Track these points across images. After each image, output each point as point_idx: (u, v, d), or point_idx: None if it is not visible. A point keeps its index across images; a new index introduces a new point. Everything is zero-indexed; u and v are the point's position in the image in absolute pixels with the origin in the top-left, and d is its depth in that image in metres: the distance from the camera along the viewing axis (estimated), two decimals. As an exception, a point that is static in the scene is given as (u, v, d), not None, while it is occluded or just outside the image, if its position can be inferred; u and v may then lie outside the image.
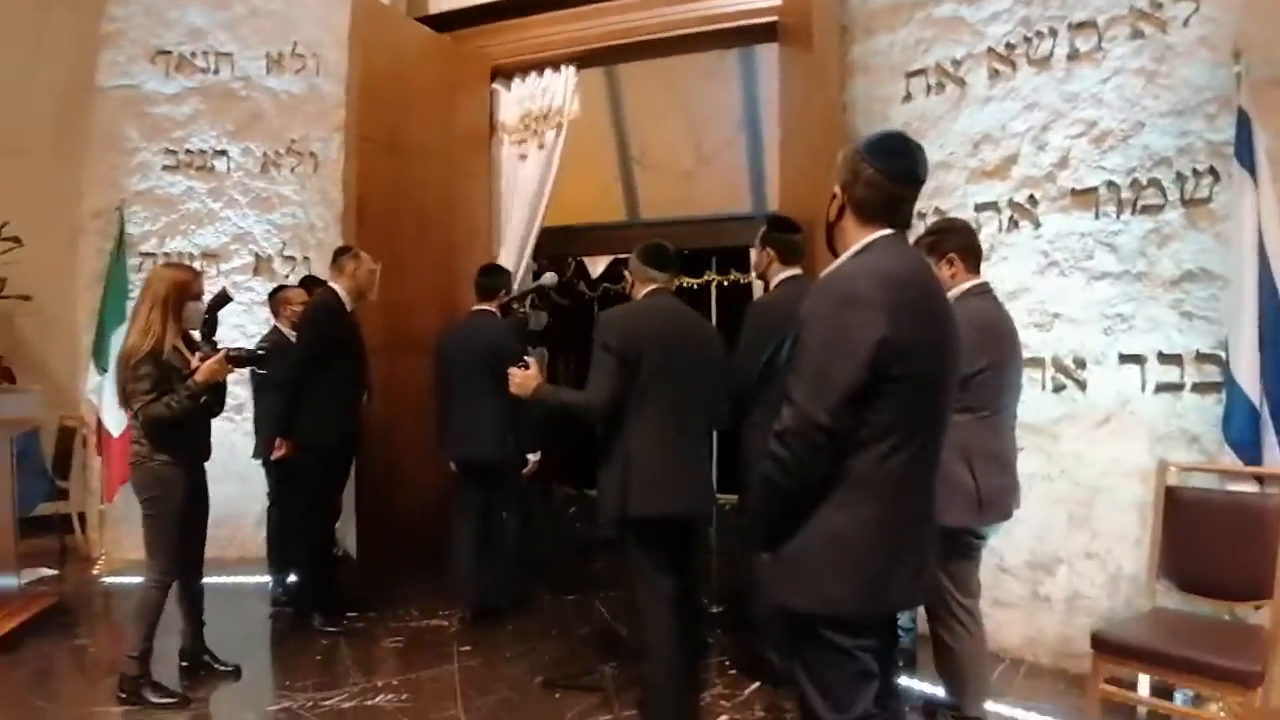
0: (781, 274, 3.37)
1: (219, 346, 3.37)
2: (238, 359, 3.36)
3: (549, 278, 4.34)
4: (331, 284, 4.18)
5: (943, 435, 1.83)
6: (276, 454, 4.13)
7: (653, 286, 2.99)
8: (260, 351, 3.59)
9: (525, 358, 3.05)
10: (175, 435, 3.20)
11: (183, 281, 3.24)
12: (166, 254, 5.43)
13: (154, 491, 3.21)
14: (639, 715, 3.10)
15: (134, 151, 5.51)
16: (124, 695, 3.23)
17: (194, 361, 3.22)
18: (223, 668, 3.54)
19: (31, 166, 5.80)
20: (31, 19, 5.78)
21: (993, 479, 2.62)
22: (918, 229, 3.94)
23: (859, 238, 1.79)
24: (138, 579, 4.79)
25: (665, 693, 2.91)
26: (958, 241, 2.73)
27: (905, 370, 1.66)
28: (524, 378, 2.89)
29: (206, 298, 3.42)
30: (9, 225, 5.42)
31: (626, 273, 3.17)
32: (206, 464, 3.48)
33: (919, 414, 1.73)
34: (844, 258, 1.81)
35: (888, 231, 1.79)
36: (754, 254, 3.59)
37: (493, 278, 4.42)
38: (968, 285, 2.71)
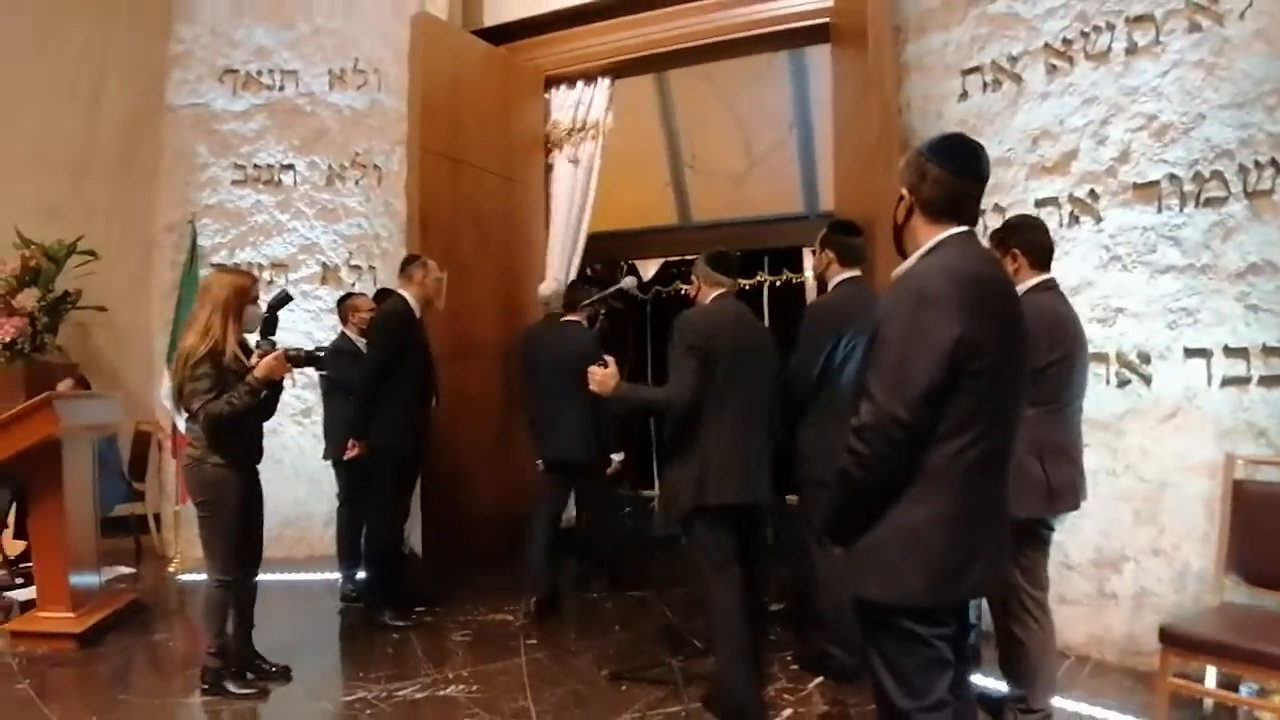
0: (840, 275, 3.42)
1: (277, 345, 3.40)
2: (296, 358, 3.44)
3: (629, 281, 4.51)
4: (401, 291, 4.31)
5: (1016, 429, 1.86)
6: (349, 454, 4.27)
7: (720, 290, 3.19)
8: (319, 353, 3.68)
9: (605, 357, 3.16)
10: (233, 435, 3.23)
11: (242, 286, 3.30)
12: (237, 265, 5.63)
13: (208, 494, 3.25)
14: (705, 705, 3.19)
15: (204, 167, 5.74)
16: (206, 686, 3.35)
17: (253, 359, 3.26)
18: (271, 668, 3.54)
19: (103, 183, 6.06)
20: (98, 41, 6.02)
21: (1062, 471, 2.65)
22: (977, 227, 3.99)
23: (929, 237, 1.84)
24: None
25: (736, 682, 3.03)
26: (1023, 238, 2.76)
27: (980, 366, 1.70)
28: (604, 376, 3.01)
29: (264, 300, 3.50)
30: (84, 239, 5.67)
31: (694, 276, 3.33)
32: (260, 465, 3.51)
33: (993, 409, 1.76)
34: (915, 257, 1.85)
35: (957, 230, 1.83)
36: (814, 255, 3.64)
37: (574, 292, 4.75)
38: (1034, 281, 2.73)
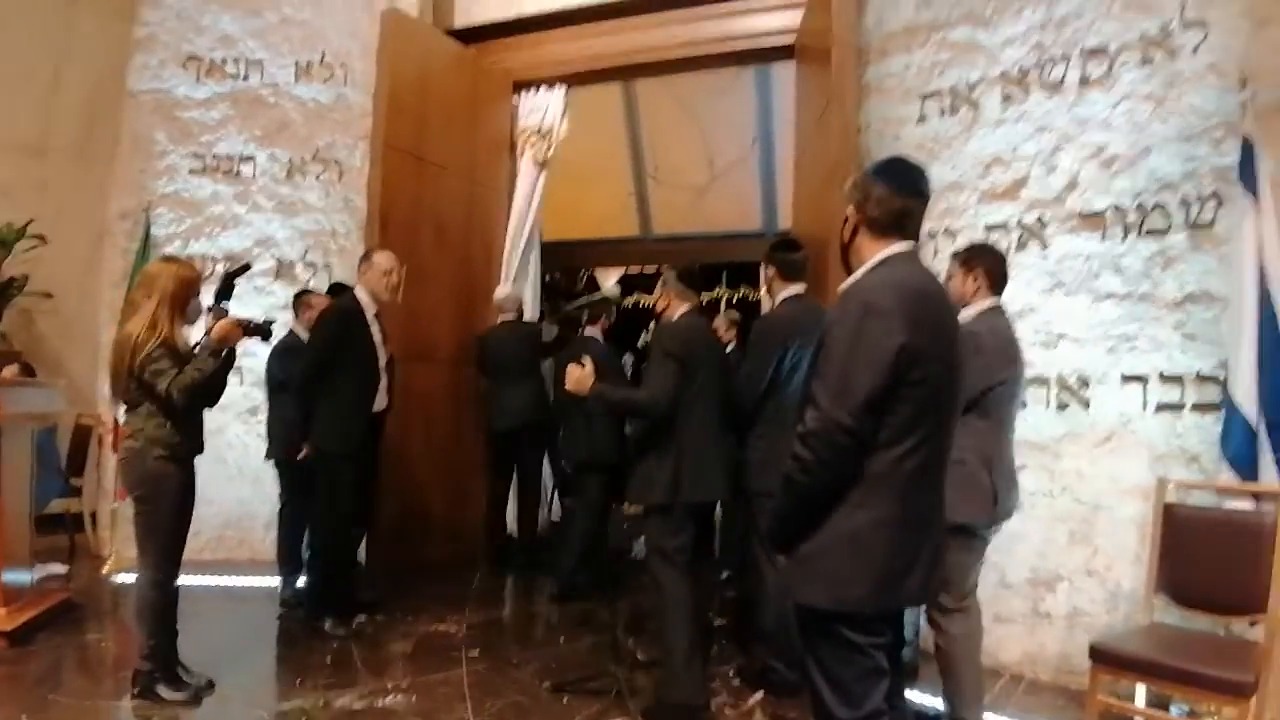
0: (785, 291, 3.51)
1: (227, 313, 3.33)
2: (248, 326, 3.35)
3: (612, 289, 4.53)
4: (355, 288, 4.26)
5: (950, 437, 1.93)
6: (300, 456, 4.22)
7: (687, 305, 3.41)
8: (269, 324, 3.54)
9: (584, 357, 3.36)
10: (190, 416, 3.20)
11: (189, 279, 3.25)
12: (191, 256, 5.52)
13: (148, 488, 3.16)
14: (646, 718, 3.22)
15: (162, 155, 5.64)
16: (137, 690, 3.24)
17: (209, 321, 3.24)
18: (193, 679, 3.35)
19: (58, 166, 5.91)
20: (60, 21, 5.87)
21: (1002, 480, 2.79)
22: (928, 248, 4.08)
23: (874, 253, 1.92)
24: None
25: (684, 672, 3.18)
26: (988, 262, 2.91)
27: (920, 375, 1.77)
28: (581, 376, 3.20)
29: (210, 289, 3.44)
30: (34, 223, 5.53)
31: (661, 289, 3.49)
32: (203, 464, 3.41)
33: (932, 417, 1.83)
34: (862, 271, 1.92)
35: (901, 246, 1.91)
36: (762, 272, 3.72)
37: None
38: (989, 304, 2.89)
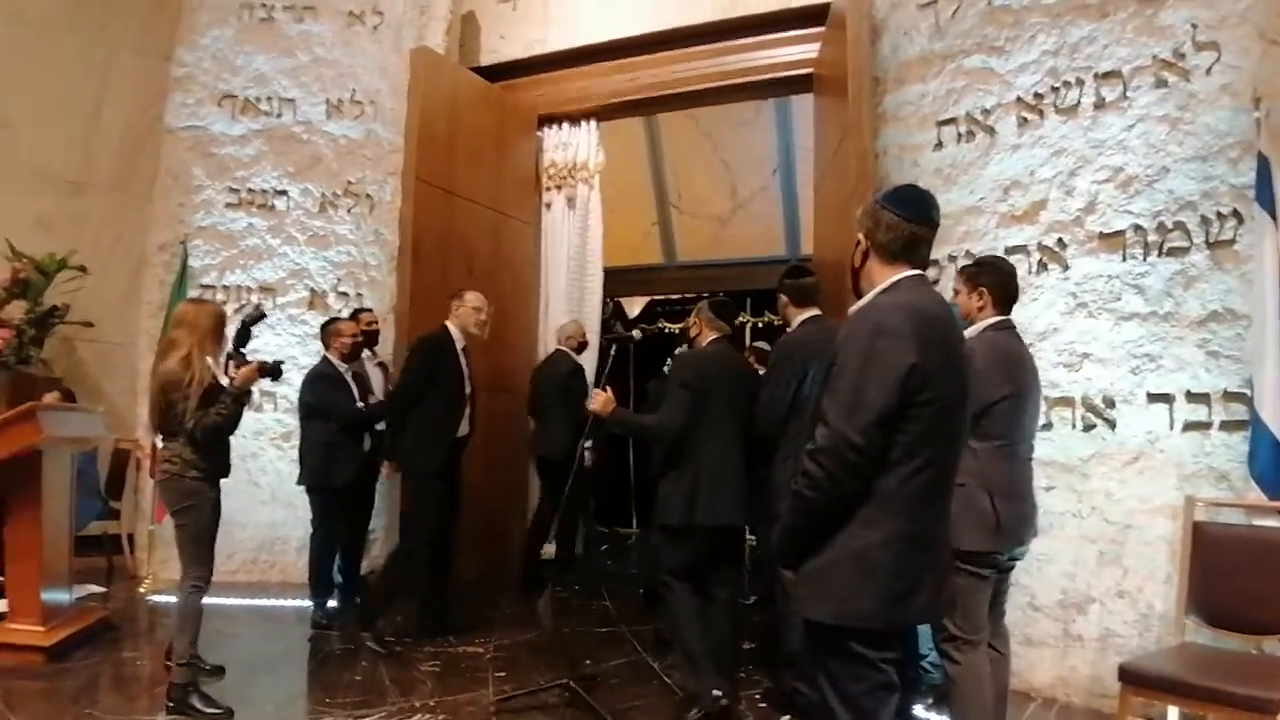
0: (800, 315, 3.61)
1: (248, 358, 3.69)
2: (264, 368, 3.67)
3: (636, 334, 4.70)
4: (446, 322, 4.47)
5: (958, 459, 1.96)
6: (387, 475, 4.52)
7: (716, 335, 3.59)
8: (280, 364, 3.85)
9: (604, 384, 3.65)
10: (215, 446, 3.51)
11: (220, 314, 3.63)
12: (226, 287, 5.71)
13: (186, 502, 3.46)
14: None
15: (199, 189, 5.83)
16: (172, 704, 3.35)
17: (230, 370, 3.60)
18: (205, 665, 3.69)
19: (98, 200, 6.11)
20: (100, 60, 6.09)
21: (1010, 506, 2.66)
22: (949, 270, 4.11)
23: (884, 278, 1.95)
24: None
25: (694, 673, 3.38)
26: (993, 279, 2.82)
27: (930, 396, 1.79)
28: (604, 400, 3.43)
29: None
30: (75, 255, 5.71)
31: (695, 318, 3.69)
32: (238, 488, 3.77)
33: (940, 437, 1.85)
34: (872, 294, 1.96)
35: (911, 272, 1.95)
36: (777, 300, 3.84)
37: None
38: (993, 320, 2.79)
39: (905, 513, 1.82)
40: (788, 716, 3.47)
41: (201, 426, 3.39)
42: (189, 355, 3.42)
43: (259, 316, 3.89)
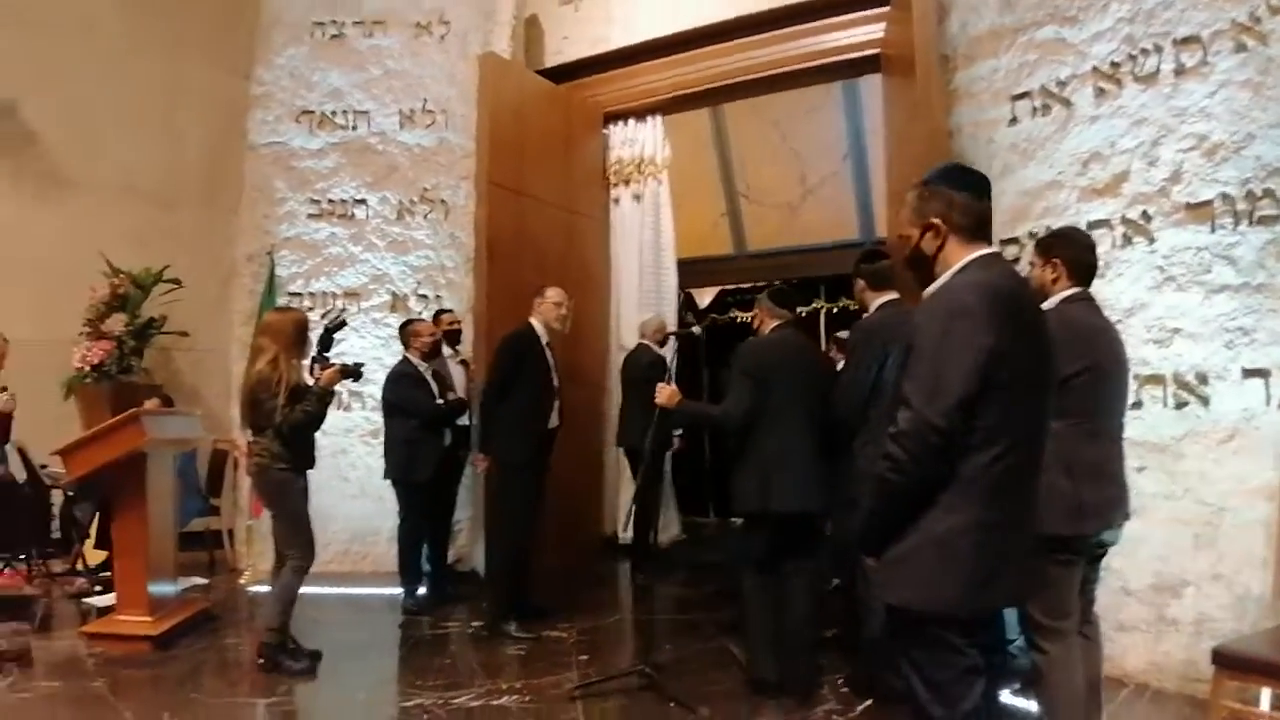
0: (878, 299, 3.57)
1: (331, 361, 4.02)
2: (346, 370, 4.00)
3: (697, 329, 4.85)
4: (530, 319, 4.61)
5: (1044, 442, 1.93)
6: (480, 467, 4.68)
7: (778, 322, 3.65)
8: (360, 366, 4.14)
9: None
10: (301, 439, 3.83)
11: (302, 321, 3.93)
12: (312, 294, 5.96)
13: (277, 493, 3.85)
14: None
15: (282, 201, 6.08)
16: (262, 661, 3.79)
17: (315, 372, 3.94)
18: (303, 655, 3.88)
19: (187, 215, 6.49)
20: (173, 77, 6.42)
21: (1095, 488, 2.54)
22: (1029, 249, 4.01)
23: (960, 258, 1.93)
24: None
25: (761, 656, 3.53)
26: (1067, 250, 2.70)
27: (1011, 377, 1.77)
28: (669, 393, 3.57)
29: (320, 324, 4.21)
30: (169, 269, 6.05)
31: (757, 309, 3.84)
32: (329, 482, 3.99)
33: (1022, 420, 1.83)
34: (948, 275, 1.93)
35: (986, 250, 1.94)
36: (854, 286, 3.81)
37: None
38: (1068, 292, 2.66)
39: (985, 499, 1.80)
40: (869, 701, 3.46)
41: (289, 423, 3.73)
42: (276, 358, 3.74)
43: (341, 324, 4.24)
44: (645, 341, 5.91)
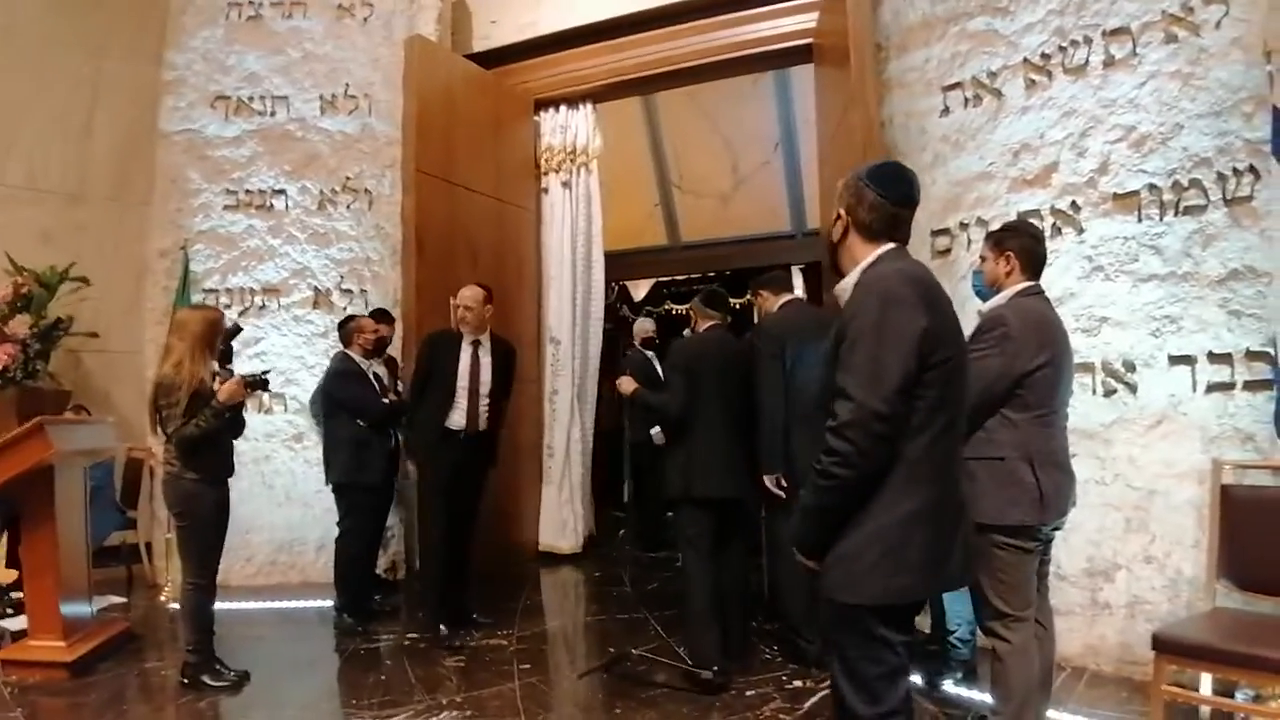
0: (779, 300, 4.10)
1: (234, 373, 3.78)
2: (251, 382, 3.74)
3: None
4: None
5: (964, 423, 2.01)
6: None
7: (711, 323, 3.91)
8: (266, 375, 3.91)
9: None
10: (206, 452, 3.58)
11: (214, 320, 3.69)
12: (229, 290, 5.67)
13: (184, 505, 3.60)
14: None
15: (196, 193, 5.77)
16: (185, 680, 3.66)
17: (215, 385, 3.63)
18: (230, 672, 3.71)
19: (96, 209, 6.06)
20: (87, 69, 6.02)
21: (1052, 478, 2.58)
22: (960, 239, 4.04)
23: (865, 254, 1.96)
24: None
25: (700, 634, 3.67)
26: (1020, 242, 2.71)
27: (941, 358, 1.82)
28: (626, 382, 4.03)
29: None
30: (76, 266, 5.68)
31: (691, 310, 4.22)
32: (250, 489, 3.82)
33: (954, 400, 1.88)
34: (858, 270, 1.95)
35: (892, 245, 1.96)
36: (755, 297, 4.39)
37: None
38: (1022, 285, 2.68)
39: (935, 479, 1.83)
40: (814, 700, 3.45)
41: (179, 435, 3.50)
42: (181, 361, 3.51)
43: (235, 331, 4.06)
44: (634, 345, 6.40)
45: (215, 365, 3.72)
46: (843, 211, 1.98)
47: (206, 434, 3.52)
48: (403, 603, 5.09)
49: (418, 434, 4.41)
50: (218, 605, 3.80)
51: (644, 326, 6.60)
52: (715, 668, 3.56)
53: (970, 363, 2.04)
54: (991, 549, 2.52)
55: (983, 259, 2.83)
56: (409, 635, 4.38)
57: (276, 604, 5.05)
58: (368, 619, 4.64)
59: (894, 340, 1.78)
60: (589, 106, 6.18)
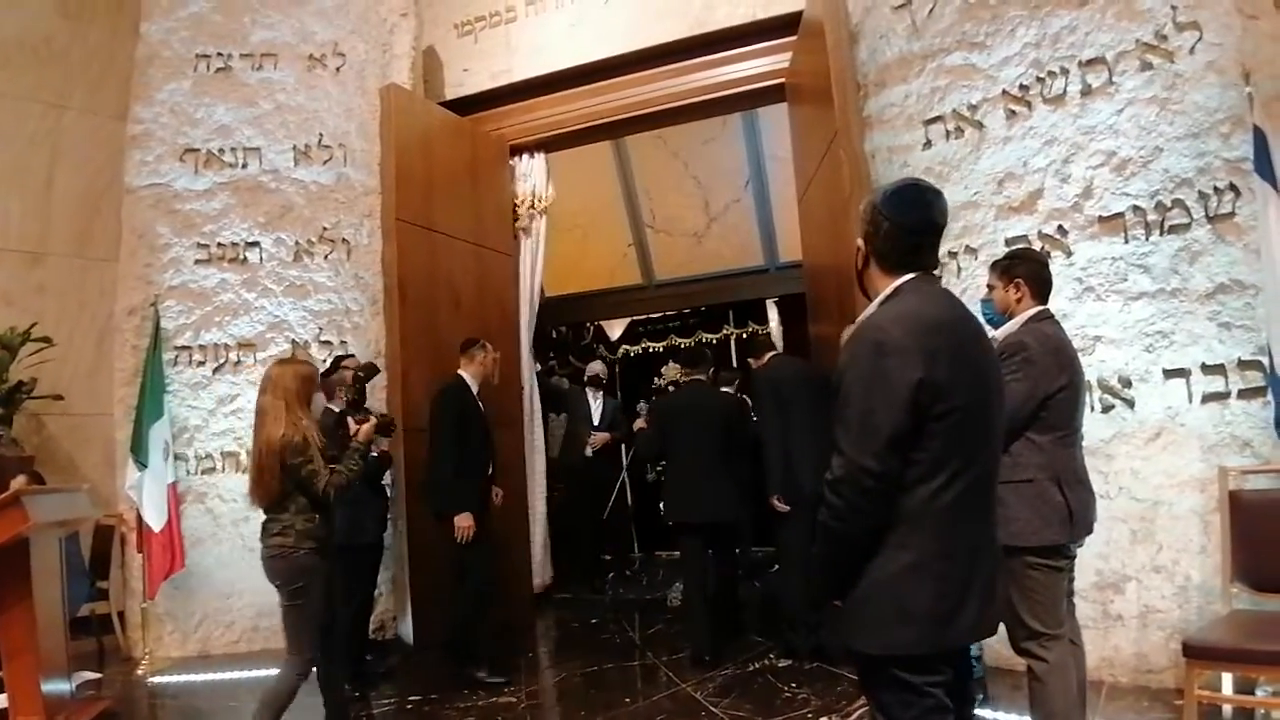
0: (765, 357, 4.90)
1: (370, 414, 3.72)
2: (380, 426, 3.70)
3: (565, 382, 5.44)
4: (461, 372, 4.63)
5: (997, 463, 1.90)
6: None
7: (690, 377, 4.93)
8: (390, 420, 3.89)
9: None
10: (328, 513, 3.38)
11: (310, 375, 3.45)
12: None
13: (301, 580, 3.25)
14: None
15: (166, 248, 5.60)
16: None
17: (353, 427, 3.61)
18: None
19: (58, 268, 5.85)
20: (47, 125, 5.88)
21: (1078, 496, 2.65)
22: (950, 268, 4.14)
23: (886, 284, 1.88)
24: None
25: (692, 621, 4.66)
26: (1028, 269, 2.81)
27: (947, 407, 1.72)
28: (600, 440, 4.92)
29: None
30: (37, 326, 5.46)
31: (672, 369, 5.09)
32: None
33: (967, 447, 1.77)
34: (873, 305, 1.90)
35: (912, 276, 1.86)
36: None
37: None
38: (1034, 310, 2.77)
39: (937, 531, 1.75)
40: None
41: (334, 484, 3.28)
42: (295, 419, 3.25)
43: (374, 371, 4.21)
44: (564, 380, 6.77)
45: (339, 408, 3.83)
46: (861, 242, 1.92)
47: (354, 478, 3.41)
48: (397, 663, 4.91)
49: (466, 483, 4.41)
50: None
51: (595, 368, 7.04)
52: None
53: (998, 404, 1.91)
54: (1025, 570, 2.56)
55: (990, 288, 2.92)
56: (410, 697, 4.22)
57: (261, 672, 4.80)
58: (364, 684, 4.45)
59: (882, 394, 1.72)
60: (540, 156, 6.24)
